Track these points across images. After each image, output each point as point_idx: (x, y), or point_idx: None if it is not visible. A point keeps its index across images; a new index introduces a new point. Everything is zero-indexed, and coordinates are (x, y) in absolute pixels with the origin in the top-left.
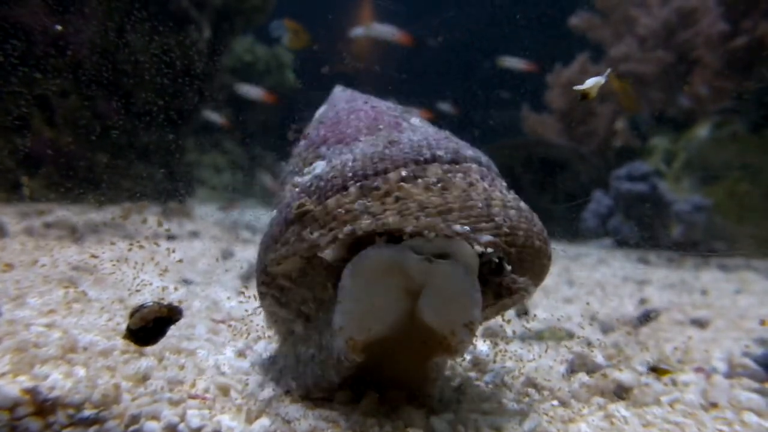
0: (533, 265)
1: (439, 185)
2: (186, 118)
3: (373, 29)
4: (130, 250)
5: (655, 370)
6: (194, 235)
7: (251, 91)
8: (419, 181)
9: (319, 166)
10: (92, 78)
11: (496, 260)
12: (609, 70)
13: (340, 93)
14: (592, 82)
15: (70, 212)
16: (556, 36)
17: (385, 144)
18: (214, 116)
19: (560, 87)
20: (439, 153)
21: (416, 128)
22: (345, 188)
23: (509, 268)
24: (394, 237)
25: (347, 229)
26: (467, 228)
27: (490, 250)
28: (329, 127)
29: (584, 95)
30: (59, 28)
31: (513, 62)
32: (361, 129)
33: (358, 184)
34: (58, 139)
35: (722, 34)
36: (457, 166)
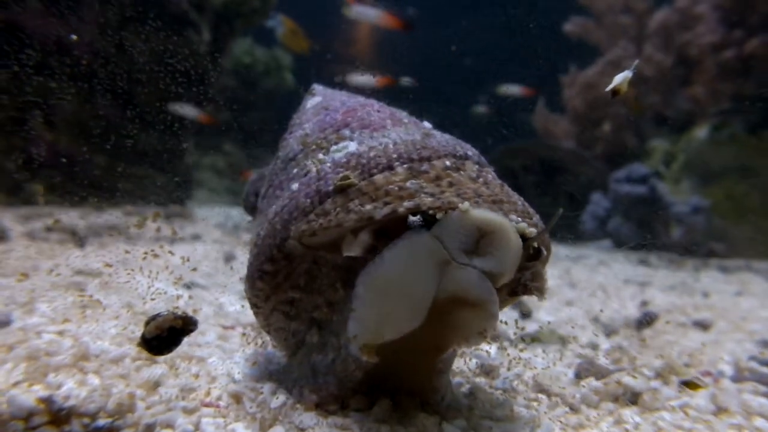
0: None
1: (480, 179)
2: (184, 119)
3: (355, 12)
4: (128, 252)
5: (687, 385)
6: (196, 238)
7: (186, 110)
8: (462, 172)
9: (352, 146)
10: (92, 81)
11: (535, 246)
12: (636, 62)
13: (323, 89)
14: (620, 78)
15: (72, 216)
16: (569, 44)
17: (422, 135)
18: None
19: (578, 88)
20: (469, 153)
21: (433, 130)
22: (391, 168)
23: (545, 253)
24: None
25: (409, 203)
26: (520, 219)
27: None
28: (346, 112)
29: (615, 92)
30: (74, 37)
31: (511, 89)
32: (386, 119)
33: (405, 165)
34: (59, 142)
35: (713, 45)
36: (485, 168)
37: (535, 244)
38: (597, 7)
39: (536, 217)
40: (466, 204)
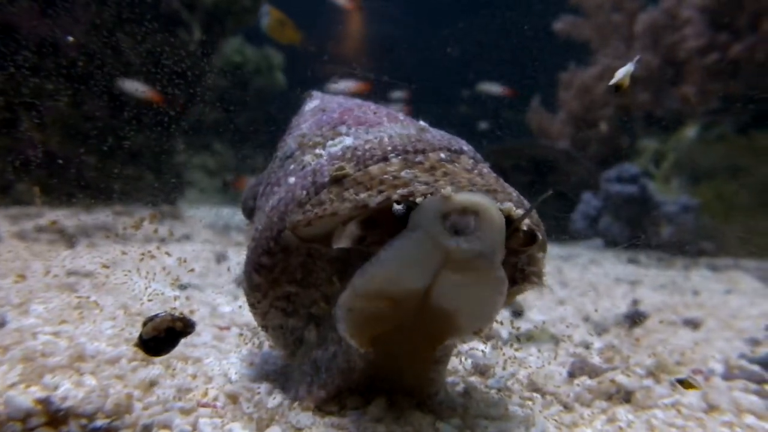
0: None
1: (475, 171)
2: (176, 119)
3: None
4: (125, 253)
5: (682, 383)
6: (187, 238)
7: (134, 87)
8: (457, 164)
9: (348, 140)
10: (82, 80)
11: (525, 228)
12: (638, 57)
13: (322, 94)
14: (622, 73)
15: (60, 215)
16: (566, 47)
17: (418, 130)
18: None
19: (575, 91)
20: (465, 148)
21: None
22: (386, 159)
23: (540, 237)
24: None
25: (403, 191)
26: (516, 208)
27: (527, 223)
28: (343, 112)
29: (618, 87)
30: (71, 39)
31: (490, 87)
32: (382, 117)
33: (400, 157)
34: (49, 143)
35: (700, 48)
36: (480, 163)
37: (524, 227)
38: (587, 6)
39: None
40: (449, 189)
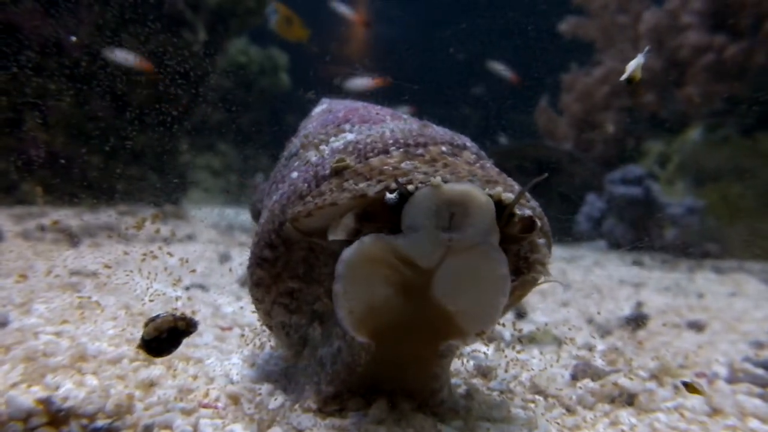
0: None
1: (477, 164)
2: (180, 119)
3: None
4: (127, 253)
5: (687, 386)
6: (190, 238)
7: (123, 56)
8: (458, 157)
9: (350, 136)
10: (86, 80)
11: (521, 213)
12: (647, 48)
13: (331, 100)
14: (634, 66)
15: (64, 215)
16: (567, 47)
17: (420, 126)
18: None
19: (577, 94)
20: (468, 144)
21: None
22: (387, 151)
23: (539, 224)
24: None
25: (402, 179)
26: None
27: (528, 212)
28: (348, 112)
29: (630, 80)
30: (74, 39)
31: (500, 69)
32: (385, 115)
33: (400, 149)
34: (54, 143)
35: (696, 48)
36: (483, 159)
37: (518, 211)
38: (592, 7)
39: (534, 202)
40: (438, 179)
